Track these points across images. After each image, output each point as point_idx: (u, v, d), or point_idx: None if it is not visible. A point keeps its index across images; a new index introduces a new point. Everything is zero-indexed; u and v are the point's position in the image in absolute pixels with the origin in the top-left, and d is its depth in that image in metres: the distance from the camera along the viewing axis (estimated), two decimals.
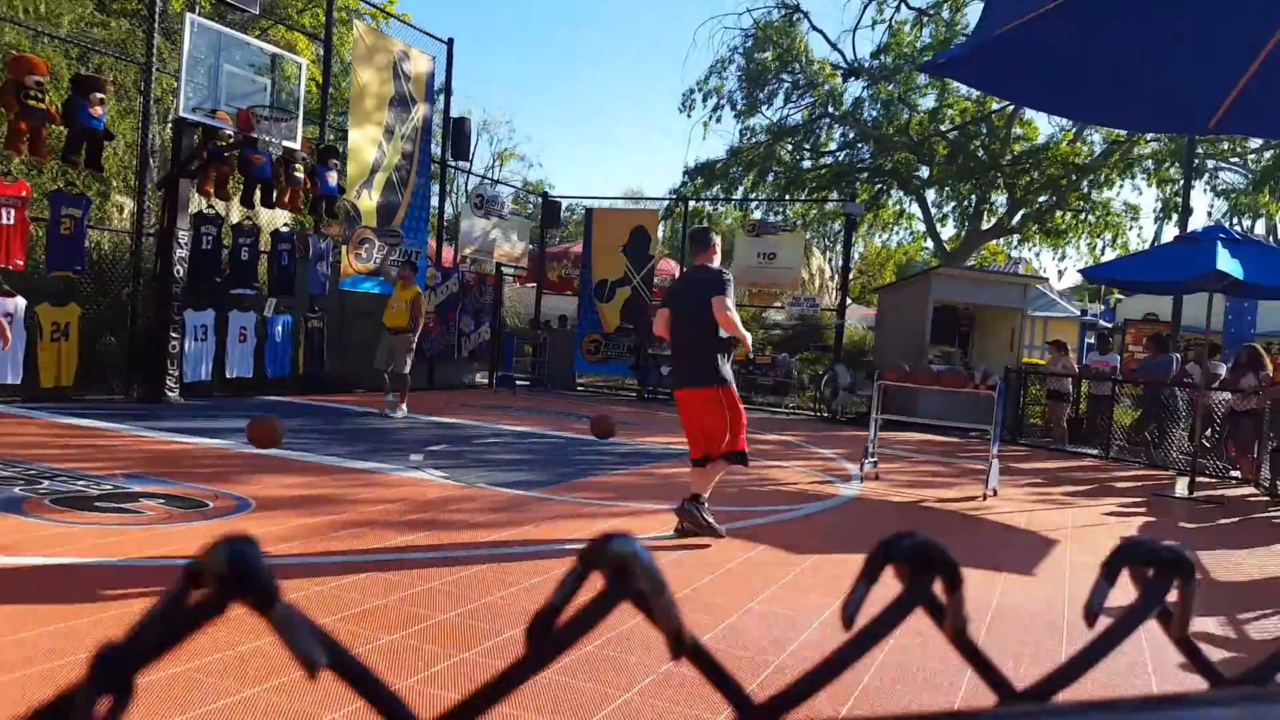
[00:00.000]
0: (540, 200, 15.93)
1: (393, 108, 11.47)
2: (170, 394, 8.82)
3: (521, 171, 35.14)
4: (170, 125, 9.23)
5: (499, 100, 61.35)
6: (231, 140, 9.13)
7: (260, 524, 4.18)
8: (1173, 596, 0.33)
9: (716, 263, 4.68)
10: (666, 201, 19.04)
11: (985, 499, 6.55)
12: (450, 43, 12.92)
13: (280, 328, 10.20)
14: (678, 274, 15.63)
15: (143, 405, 8.49)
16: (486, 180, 16.69)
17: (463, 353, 13.29)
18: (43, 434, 6.43)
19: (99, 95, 8.03)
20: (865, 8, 19.31)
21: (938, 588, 0.31)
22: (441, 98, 13.16)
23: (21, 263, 7.64)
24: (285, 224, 10.54)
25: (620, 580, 0.23)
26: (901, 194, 20.58)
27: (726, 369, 4.57)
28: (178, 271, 8.89)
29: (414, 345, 9.19)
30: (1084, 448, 10.83)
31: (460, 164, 14.27)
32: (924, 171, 19.79)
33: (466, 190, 15.81)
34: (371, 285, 11.33)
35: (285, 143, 9.50)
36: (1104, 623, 0.31)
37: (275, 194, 9.83)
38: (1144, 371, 10.95)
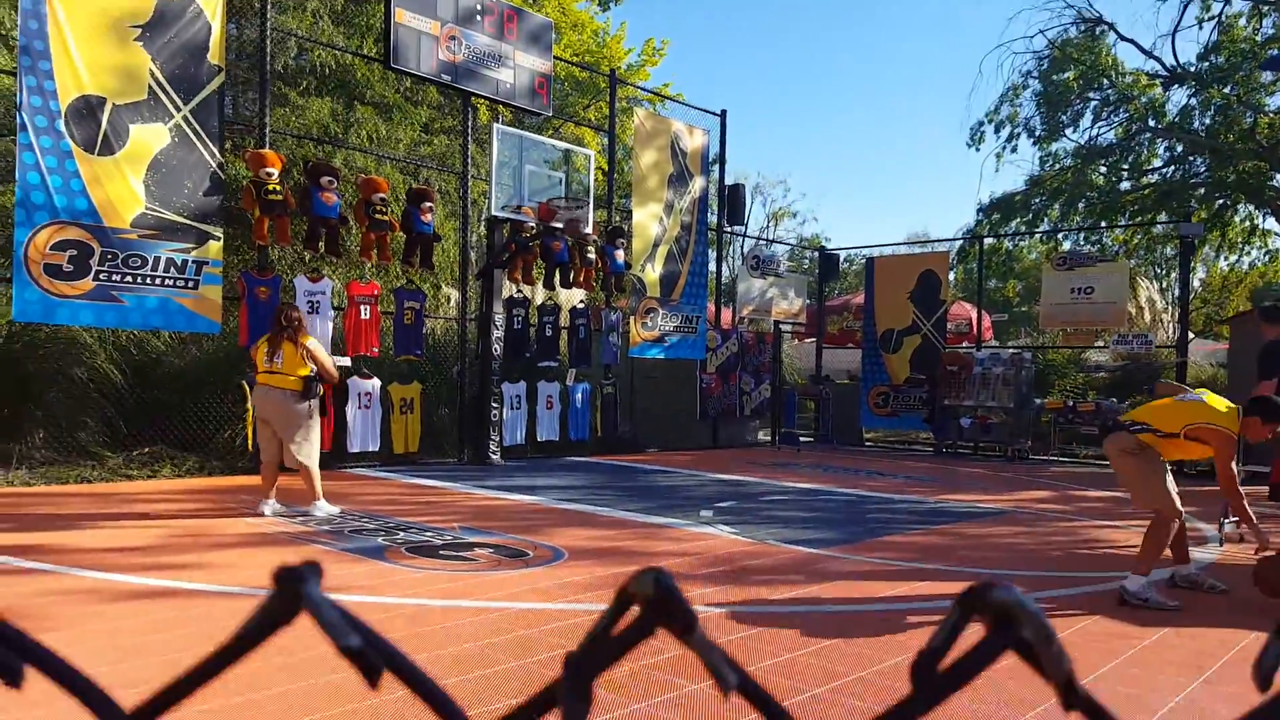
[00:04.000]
0: (817, 255, 15.80)
1: (671, 184, 12.15)
2: (493, 456, 9.88)
3: (796, 229, 35.28)
4: (484, 223, 10.57)
5: (773, 162, 62.51)
6: (534, 231, 10.22)
7: (573, 572, 4.49)
8: None
9: None
10: (958, 242, 17.89)
11: None
12: (723, 114, 13.46)
13: (580, 394, 11.05)
14: (975, 318, 14.58)
15: (472, 466, 9.58)
16: (762, 241, 16.95)
17: (744, 411, 13.41)
18: (397, 492, 7.47)
19: (428, 204, 9.43)
20: (1185, 6, 16.93)
21: None
22: (716, 168, 13.70)
23: (376, 349, 9.09)
24: (581, 301, 11.50)
25: (1006, 627, 0.23)
26: (1251, 208, 17.54)
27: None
28: (495, 350, 10.04)
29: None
30: None
31: (736, 229, 14.66)
32: (1279, 180, 16.71)
33: (743, 252, 16.13)
34: (658, 351, 11.91)
35: (581, 229, 10.42)
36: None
37: (572, 275, 10.79)
38: None
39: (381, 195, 8.97)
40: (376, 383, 9.00)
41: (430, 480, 8.24)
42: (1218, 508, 6.12)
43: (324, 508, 6.01)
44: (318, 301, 8.50)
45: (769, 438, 14.08)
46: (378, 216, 8.89)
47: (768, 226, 33.31)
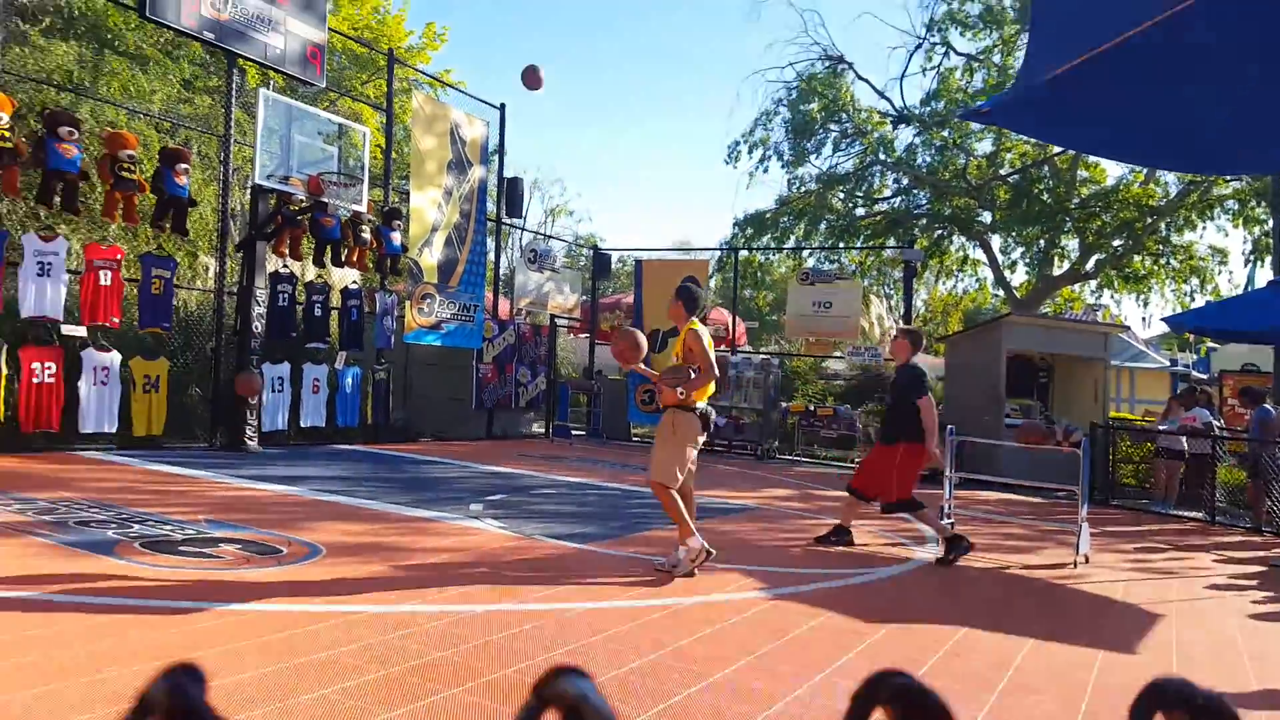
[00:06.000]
0: (591, 253, 16.33)
1: (451, 171, 12.04)
2: (250, 442, 9.28)
3: (573, 226, 36.09)
4: (249, 192, 9.88)
5: (551, 161, 62.94)
6: (303, 204, 9.72)
7: (329, 570, 4.31)
8: None
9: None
10: (717, 252, 19.17)
11: (1075, 566, 6.11)
12: (503, 107, 13.55)
13: (350, 379, 10.67)
14: (730, 324, 15.79)
15: (225, 453, 8.95)
16: (539, 235, 17.22)
17: (519, 402, 13.62)
18: (134, 480, 6.84)
19: (183, 165, 8.69)
20: (911, 56, 19.35)
21: None
22: (495, 159, 13.75)
23: (117, 320, 8.23)
24: (354, 281, 11.08)
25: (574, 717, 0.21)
26: (964, 239, 20.12)
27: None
28: (256, 327, 9.43)
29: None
30: (1185, 510, 9.79)
31: (514, 221, 14.80)
32: (986, 216, 19.32)
33: (521, 246, 16.30)
34: (434, 338, 11.78)
35: (352, 206, 10.06)
36: None
37: (344, 254, 10.38)
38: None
39: (130, 152, 8.15)
40: (115, 356, 8.18)
41: (175, 467, 7.62)
42: (937, 506, 7.01)
43: None
44: (49, 263, 7.62)
45: (543, 430, 14.35)
46: (124, 175, 8.07)
47: (545, 222, 33.70)
